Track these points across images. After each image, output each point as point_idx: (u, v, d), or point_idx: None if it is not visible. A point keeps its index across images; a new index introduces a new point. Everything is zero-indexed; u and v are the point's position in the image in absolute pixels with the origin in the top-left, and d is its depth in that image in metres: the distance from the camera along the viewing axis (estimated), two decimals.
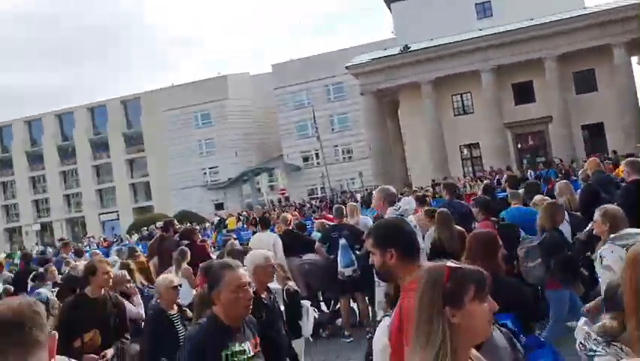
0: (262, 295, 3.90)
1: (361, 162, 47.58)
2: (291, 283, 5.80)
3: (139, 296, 6.03)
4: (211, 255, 9.04)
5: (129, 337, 4.80)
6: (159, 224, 37.34)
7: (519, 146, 35.00)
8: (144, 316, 5.48)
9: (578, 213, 6.88)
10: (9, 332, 1.60)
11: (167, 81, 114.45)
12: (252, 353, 2.88)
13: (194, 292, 5.78)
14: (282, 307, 4.46)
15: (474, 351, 1.89)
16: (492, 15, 35.86)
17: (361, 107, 43.16)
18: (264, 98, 55.18)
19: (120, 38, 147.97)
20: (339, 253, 7.67)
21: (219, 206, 52.91)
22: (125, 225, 51.16)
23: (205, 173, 56.22)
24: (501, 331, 2.40)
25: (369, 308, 7.84)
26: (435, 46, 33.24)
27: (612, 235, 4.12)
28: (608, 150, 30.13)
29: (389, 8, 39.51)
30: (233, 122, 55.03)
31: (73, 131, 61.38)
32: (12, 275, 10.58)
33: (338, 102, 51.02)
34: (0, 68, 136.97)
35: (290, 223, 8.93)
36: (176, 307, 4.59)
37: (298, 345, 4.91)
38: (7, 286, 9.08)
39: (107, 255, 12.48)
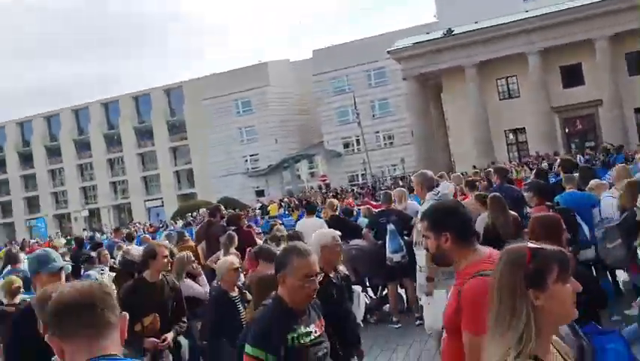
0: (330, 275, 3.86)
1: (403, 148, 47.11)
2: (342, 268, 5.76)
3: (204, 277, 6.10)
4: (257, 240, 9.09)
5: (186, 320, 4.84)
6: (203, 210, 38.09)
7: (567, 130, 34.02)
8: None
9: None
10: (80, 314, 1.60)
11: (206, 70, 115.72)
12: (317, 335, 2.85)
13: (242, 276, 5.84)
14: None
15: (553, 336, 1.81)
16: None
17: (403, 93, 42.73)
18: (304, 84, 55.10)
19: (161, 27, 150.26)
20: (388, 238, 7.59)
21: (260, 193, 53.35)
22: (170, 211, 52.19)
23: (246, 160, 56.71)
24: None
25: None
26: (479, 29, 32.51)
27: None
28: None
29: None
30: (273, 109, 55.22)
31: (119, 120, 62.79)
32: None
33: (379, 88, 50.50)
34: (48, 59, 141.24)
35: (336, 209, 8.88)
36: (237, 290, 4.61)
37: None
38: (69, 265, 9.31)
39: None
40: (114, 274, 7.11)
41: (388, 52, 35.74)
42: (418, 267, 5.96)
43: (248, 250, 7.84)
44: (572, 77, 32.68)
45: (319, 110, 53.35)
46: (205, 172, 56.97)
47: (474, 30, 32.61)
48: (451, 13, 35.29)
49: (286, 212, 27.20)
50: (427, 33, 36.19)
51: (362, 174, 48.50)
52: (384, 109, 50.71)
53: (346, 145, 52.51)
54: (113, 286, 5.72)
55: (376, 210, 8.87)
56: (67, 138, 64.29)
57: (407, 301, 8.27)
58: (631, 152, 22.44)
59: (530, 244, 1.75)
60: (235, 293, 4.57)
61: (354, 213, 10.89)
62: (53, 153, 65.41)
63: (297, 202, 30.09)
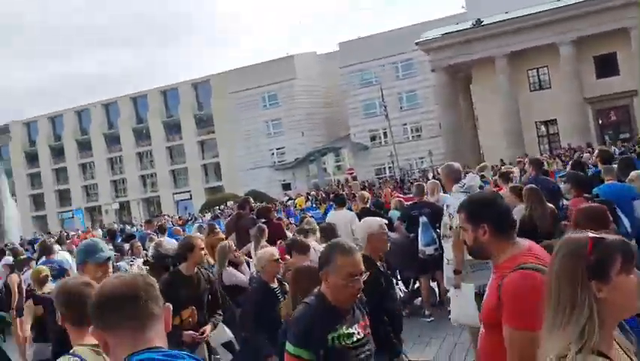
0: (377, 263, 3.82)
1: (431, 141, 46.68)
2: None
3: (246, 265, 6.11)
4: (287, 233, 9.08)
5: (222, 313, 4.82)
6: (230, 203, 38.33)
7: (600, 122, 33.27)
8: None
9: None
10: (123, 306, 1.57)
11: (233, 63, 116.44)
12: (360, 336, 2.72)
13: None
14: None
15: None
16: None
17: (431, 84, 42.29)
18: (331, 77, 54.93)
19: (187, 22, 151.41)
20: (420, 231, 7.51)
21: (286, 186, 53.47)
22: (198, 204, 52.69)
23: (272, 153, 56.86)
24: None
25: None
26: (509, 19, 31.95)
27: None
28: None
29: None
30: (300, 102, 55.21)
31: (148, 114, 63.53)
32: None
33: (407, 80, 50.05)
34: (76, 52, 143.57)
35: (367, 201, 8.80)
36: (276, 281, 4.57)
37: None
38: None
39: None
40: (147, 267, 7.17)
41: (417, 43, 35.41)
42: (445, 260, 5.90)
43: (278, 242, 7.86)
44: (606, 67, 31.90)
45: (346, 102, 53.15)
46: (232, 165, 57.33)
47: (504, 20, 32.07)
48: (480, 4, 34.73)
49: (314, 205, 27.22)
50: (457, 24, 35.71)
51: (389, 167, 48.23)
52: (411, 101, 50.26)
53: (373, 138, 52.23)
54: None
55: (408, 203, 8.77)
56: (98, 132, 65.32)
57: (439, 295, 8.18)
58: None
59: (591, 234, 1.67)
60: (275, 285, 4.53)
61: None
62: (84, 146, 66.53)
63: (324, 195, 30.09)
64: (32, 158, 68.52)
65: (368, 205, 8.80)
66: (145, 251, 8.82)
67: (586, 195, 6.52)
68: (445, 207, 5.84)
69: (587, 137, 30.68)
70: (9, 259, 11.07)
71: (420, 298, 8.24)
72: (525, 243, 2.43)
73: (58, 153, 67.43)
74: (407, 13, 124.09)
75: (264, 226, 8.30)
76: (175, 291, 4.37)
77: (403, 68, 50.19)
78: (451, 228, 5.63)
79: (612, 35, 30.32)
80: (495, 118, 33.19)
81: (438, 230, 7.42)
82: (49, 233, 38.97)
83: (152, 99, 63.35)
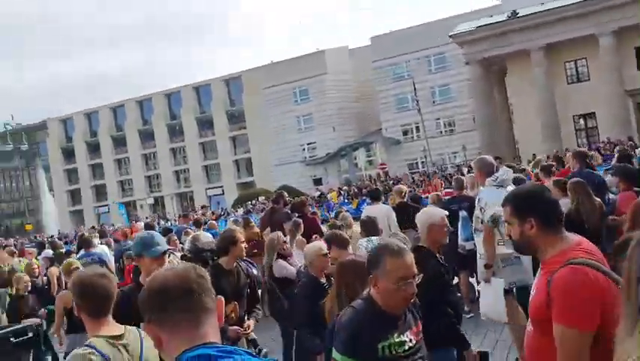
0: (437, 255, 3.75)
1: (464, 135, 46.08)
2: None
3: (295, 258, 6.07)
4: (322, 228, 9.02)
5: (260, 307, 4.75)
6: (262, 198, 38.54)
7: None
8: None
9: None
10: (176, 299, 1.49)
11: (265, 59, 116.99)
12: (412, 344, 2.55)
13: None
14: None
15: None
16: None
17: (464, 78, 41.68)
18: (363, 71, 54.67)
19: (221, 18, 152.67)
20: (460, 226, 7.36)
21: (317, 181, 53.48)
22: (230, 199, 53.14)
23: (304, 149, 56.93)
24: None
25: None
26: (546, 10, 31.21)
27: None
28: None
29: None
30: (331, 97, 55.10)
31: (181, 111, 64.28)
32: None
33: (439, 73, 49.52)
34: (114, 51, 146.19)
35: (404, 195, 8.66)
36: (324, 276, 4.49)
37: None
38: (131, 252, 9.53)
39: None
40: (184, 261, 7.18)
41: (450, 36, 34.90)
42: (478, 254, 5.77)
43: (314, 236, 7.80)
44: None
45: (377, 97, 52.84)
46: (263, 161, 57.61)
47: (540, 12, 31.36)
48: None
49: (346, 200, 27.18)
50: (491, 16, 35.08)
51: (422, 162, 47.78)
52: (444, 95, 49.70)
53: (405, 132, 51.83)
54: None
55: (446, 197, 8.60)
56: (132, 128, 66.37)
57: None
58: None
59: None
60: (324, 280, 4.44)
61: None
62: (119, 142, 67.71)
63: (356, 190, 29.99)
64: (69, 154, 70.06)
65: (405, 199, 8.65)
66: (181, 245, 8.87)
67: (636, 188, 6.28)
68: (476, 201, 5.73)
69: (627, 130, 29.82)
70: (49, 252, 11.32)
71: (459, 294, 8.07)
72: (575, 237, 2.35)
73: (94, 149, 68.79)
74: (439, 6, 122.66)
75: (300, 221, 8.27)
76: (217, 285, 4.29)
77: (436, 61, 49.68)
78: (482, 222, 5.52)
79: None
80: (531, 111, 32.55)
81: None
82: (94, 227, 39.83)
83: (186, 96, 64.08)
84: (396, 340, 2.47)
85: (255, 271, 5.53)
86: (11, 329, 4.81)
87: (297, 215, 9.02)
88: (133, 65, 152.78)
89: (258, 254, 8.31)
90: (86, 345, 2.44)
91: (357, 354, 2.43)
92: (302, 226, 8.03)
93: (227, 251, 4.50)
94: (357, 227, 8.61)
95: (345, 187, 35.69)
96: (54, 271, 8.94)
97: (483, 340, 6.59)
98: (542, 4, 31.76)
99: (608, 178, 7.39)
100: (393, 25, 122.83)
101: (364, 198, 24.54)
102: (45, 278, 8.91)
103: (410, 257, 2.54)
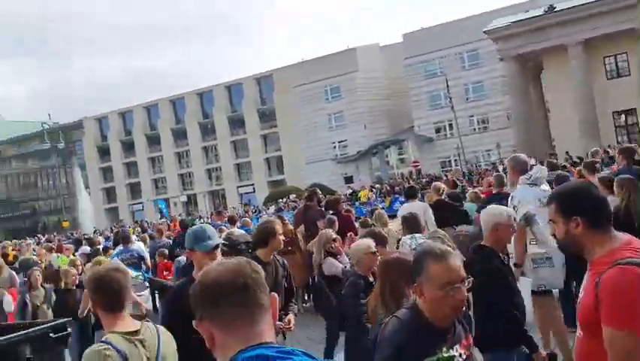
0: (500, 255, 3.63)
1: (498, 133, 45.39)
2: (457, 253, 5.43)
3: (345, 255, 5.99)
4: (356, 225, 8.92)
5: (296, 302, 4.66)
6: (292, 196, 38.61)
7: None
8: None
9: None
10: (230, 295, 1.39)
11: (295, 58, 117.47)
12: (463, 359, 2.33)
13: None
14: None
15: None
16: None
17: (499, 75, 41.00)
18: (394, 68, 54.30)
19: (255, 18, 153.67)
20: None
21: (349, 179, 53.31)
22: (261, 197, 53.41)
23: (334, 146, 56.85)
24: None
25: None
26: (584, 4, 30.45)
27: None
28: None
29: None
30: (362, 95, 54.88)
31: (213, 109, 64.87)
32: (170, 241, 11.23)
33: (473, 70, 48.86)
34: (147, 50, 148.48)
35: (442, 193, 8.48)
36: (372, 275, 4.37)
37: None
38: (164, 250, 9.63)
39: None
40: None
41: (485, 32, 34.41)
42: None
43: (349, 234, 7.70)
44: None
45: (409, 94, 52.42)
46: (294, 159, 57.72)
47: (578, 5, 30.63)
48: None
49: (378, 198, 27.06)
50: (527, 11, 34.43)
51: (454, 160, 47.22)
52: (478, 92, 49.02)
53: (438, 130, 51.33)
54: None
55: (484, 196, 8.39)
56: (166, 127, 67.25)
57: None
58: None
59: None
60: (371, 278, 4.32)
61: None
62: (153, 141, 68.69)
63: (388, 188, 29.79)
64: (104, 152, 71.38)
65: (443, 197, 8.47)
66: None
67: None
68: (509, 199, 5.60)
69: None
70: (86, 248, 11.47)
71: None
72: (624, 236, 2.25)
73: (128, 147, 69.94)
74: (472, 2, 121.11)
75: (334, 218, 8.19)
76: None
77: (469, 58, 49.08)
78: (515, 220, 5.39)
79: None
80: (568, 107, 31.85)
81: None
82: (137, 222, 40.50)
83: (218, 95, 64.64)
84: (445, 355, 2.24)
85: None
86: (51, 324, 4.82)
87: (331, 212, 8.93)
88: (166, 64, 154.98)
89: (292, 252, 8.25)
90: (102, 341, 2.44)
91: None
92: (337, 223, 7.95)
93: (266, 243, 4.39)
94: (392, 225, 8.49)
95: (377, 185, 35.46)
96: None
97: None
98: None
99: None
100: (425, 22, 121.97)
101: (397, 196, 24.37)
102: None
103: (455, 259, 2.32)
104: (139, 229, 13.73)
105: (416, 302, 2.34)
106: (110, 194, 71.91)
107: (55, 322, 4.93)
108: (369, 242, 4.52)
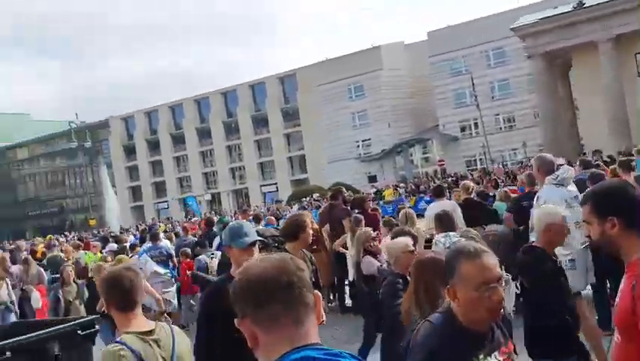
0: (552, 256, 3.51)
1: (524, 131, 44.76)
2: None
3: (384, 255, 5.92)
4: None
5: (322, 297, 4.56)
6: (316, 195, 38.54)
7: None
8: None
9: None
10: (274, 292, 1.31)
11: (318, 56, 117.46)
12: None
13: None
14: None
15: None
16: None
17: (525, 73, 40.39)
18: (419, 67, 53.91)
19: (277, 16, 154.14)
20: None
21: (372, 178, 53.08)
22: (284, 196, 53.47)
23: (358, 145, 56.66)
24: None
25: None
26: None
27: None
28: None
29: None
30: (386, 93, 54.58)
31: (237, 109, 65.21)
32: (195, 238, 11.24)
33: (499, 68, 48.29)
34: (172, 50, 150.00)
35: (471, 191, 8.32)
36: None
37: None
38: (186, 249, 9.64)
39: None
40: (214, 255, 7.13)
41: (512, 29, 33.88)
42: None
43: (376, 233, 7.59)
44: None
45: (434, 92, 51.97)
46: (317, 158, 57.70)
47: (609, 1, 29.96)
48: None
49: (403, 197, 26.88)
50: (555, 7, 33.81)
51: (480, 159, 46.68)
52: (504, 90, 48.42)
53: (463, 129, 50.82)
54: None
55: (515, 195, 8.21)
56: (190, 126, 67.83)
57: None
58: None
59: None
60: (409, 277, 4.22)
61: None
62: (178, 140, 69.35)
63: (413, 187, 29.54)
64: (130, 151, 72.28)
65: (472, 195, 8.31)
66: None
67: None
68: (535, 200, 5.51)
69: None
70: (113, 246, 11.57)
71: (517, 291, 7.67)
72: None
73: (154, 146, 70.71)
74: (497, 0, 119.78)
75: (361, 217, 8.10)
76: None
77: (495, 56, 48.52)
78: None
79: None
80: (597, 105, 31.19)
81: None
82: (168, 218, 40.93)
83: (241, 94, 64.94)
84: None
85: None
86: (78, 321, 4.82)
87: (357, 211, 8.84)
88: (191, 64, 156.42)
89: (317, 250, 8.18)
90: (117, 341, 2.43)
91: None
92: (363, 222, 7.86)
93: (296, 236, 4.28)
94: (419, 224, 8.35)
95: (401, 184, 35.21)
96: None
97: None
98: None
99: None
100: (450, 20, 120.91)
101: (422, 195, 24.14)
102: None
103: (489, 258, 2.14)
104: (170, 226, 13.80)
105: (450, 306, 2.19)
106: (135, 192, 72.77)
107: (83, 319, 4.94)
108: (407, 240, 4.41)
